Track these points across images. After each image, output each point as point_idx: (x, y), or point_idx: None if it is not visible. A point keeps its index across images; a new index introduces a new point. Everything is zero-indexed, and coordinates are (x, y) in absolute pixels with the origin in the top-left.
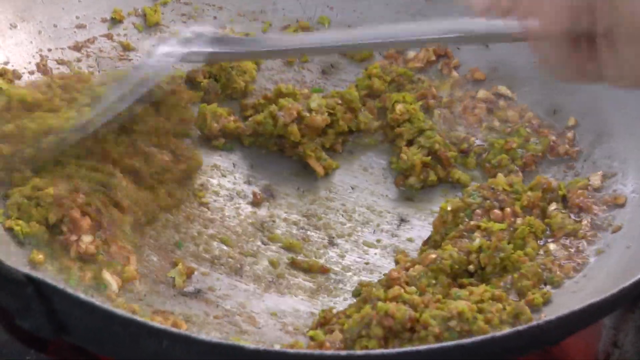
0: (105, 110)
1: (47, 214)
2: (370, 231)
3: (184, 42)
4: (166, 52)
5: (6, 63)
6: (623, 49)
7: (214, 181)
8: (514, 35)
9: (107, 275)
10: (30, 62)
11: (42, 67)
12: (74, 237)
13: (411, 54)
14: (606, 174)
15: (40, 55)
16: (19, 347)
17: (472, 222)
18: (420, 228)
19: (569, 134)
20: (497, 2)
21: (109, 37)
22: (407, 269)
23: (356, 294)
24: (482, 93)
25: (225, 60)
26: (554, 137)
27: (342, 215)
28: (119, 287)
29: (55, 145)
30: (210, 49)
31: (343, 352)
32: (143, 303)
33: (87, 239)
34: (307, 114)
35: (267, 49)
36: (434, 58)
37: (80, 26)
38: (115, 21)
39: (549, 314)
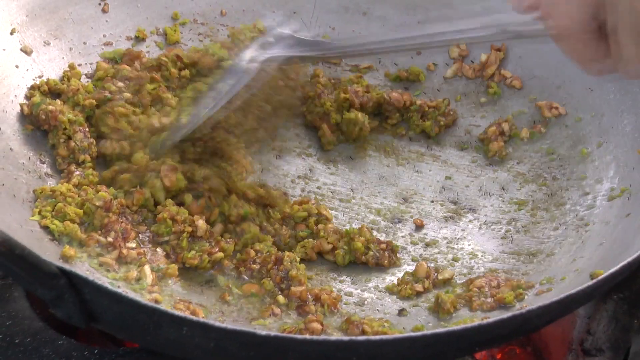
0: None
1: (91, 217)
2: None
3: (265, 46)
4: (250, 57)
5: (40, 77)
6: (624, 43)
7: None
8: (545, 32)
9: (147, 270)
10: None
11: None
12: (120, 243)
13: None
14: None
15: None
16: (51, 333)
17: None
18: (413, 227)
19: None
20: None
21: None
22: None
23: None
24: None
25: (303, 62)
26: None
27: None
28: (153, 281)
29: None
30: (288, 53)
31: (346, 338)
32: (167, 294)
33: (131, 245)
34: None
35: (338, 51)
36: None
37: (107, 44)
38: (139, 39)
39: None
